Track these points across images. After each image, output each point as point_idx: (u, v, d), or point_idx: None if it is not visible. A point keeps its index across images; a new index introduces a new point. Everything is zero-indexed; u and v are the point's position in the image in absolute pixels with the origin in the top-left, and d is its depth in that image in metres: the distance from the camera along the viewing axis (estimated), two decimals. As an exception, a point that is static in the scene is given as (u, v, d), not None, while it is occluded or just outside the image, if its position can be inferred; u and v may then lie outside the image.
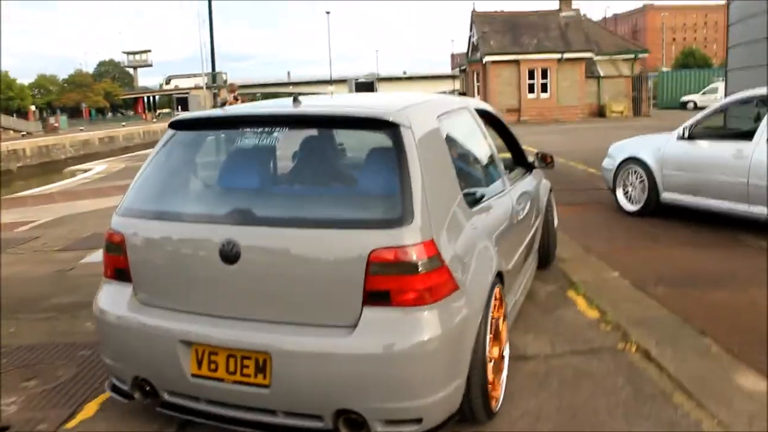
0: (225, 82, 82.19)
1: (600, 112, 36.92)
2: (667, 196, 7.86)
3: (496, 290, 3.31)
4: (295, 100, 3.49)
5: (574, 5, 37.88)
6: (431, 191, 2.88)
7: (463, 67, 43.00)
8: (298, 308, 2.88)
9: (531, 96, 35.58)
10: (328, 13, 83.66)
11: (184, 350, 2.98)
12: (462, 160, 3.72)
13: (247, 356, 2.87)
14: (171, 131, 3.49)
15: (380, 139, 3.08)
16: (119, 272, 3.28)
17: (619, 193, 8.57)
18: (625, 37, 47.15)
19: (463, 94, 43.23)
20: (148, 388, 3.17)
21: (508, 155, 5.22)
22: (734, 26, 15.10)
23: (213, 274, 2.98)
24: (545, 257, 5.75)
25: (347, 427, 2.82)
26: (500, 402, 3.34)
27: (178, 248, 3.14)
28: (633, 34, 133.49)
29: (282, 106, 3.76)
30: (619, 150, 8.77)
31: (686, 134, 7.60)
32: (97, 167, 22.60)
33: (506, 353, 3.54)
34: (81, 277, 6.58)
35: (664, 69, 66.02)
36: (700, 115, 7.66)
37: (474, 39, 38.44)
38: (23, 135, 56.69)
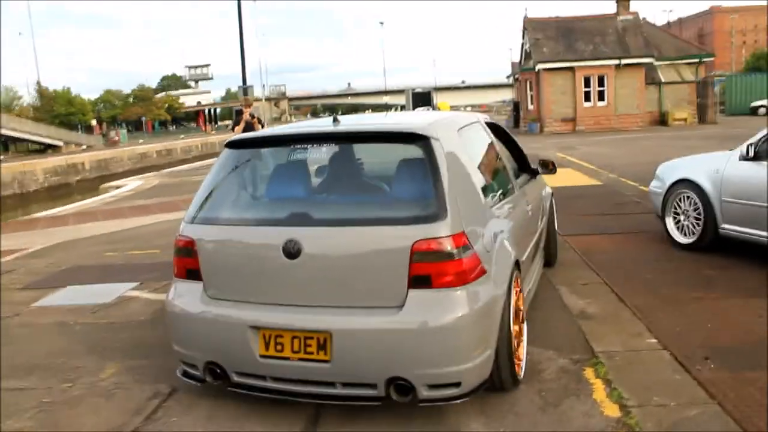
0: (284, 94, 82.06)
1: (662, 120, 34.82)
2: (727, 228, 6.45)
3: (515, 276, 3.87)
4: (335, 120, 4.03)
5: (633, 8, 35.92)
6: (459, 192, 3.44)
7: (516, 76, 41.40)
8: (353, 293, 3.38)
9: (587, 104, 33.78)
10: (381, 23, 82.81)
11: (253, 335, 3.45)
12: (479, 165, 4.16)
13: (309, 336, 3.35)
14: (228, 150, 4.06)
15: (413, 149, 3.59)
16: (190, 272, 3.77)
17: (669, 222, 7.18)
18: (688, 40, 44.65)
19: (516, 103, 41.68)
20: (218, 371, 3.61)
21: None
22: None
23: (277, 269, 3.46)
24: (549, 256, 6.37)
25: (397, 392, 3.28)
26: (523, 370, 3.87)
27: (245, 248, 3.66)
28: (699, 38, 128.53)
29: (323, 125, 4.18)
30: (670, 171, 7.38)
31: (751, 153, 6.17)
32: (131, 184, 22.17)
33: (525, 330, 4.08)
34: (18, 328, 5.64)
35: (727, 73, 62.80)
36: (767, 129, 6.22)
37: (527, 46, 36.87)
38: (84, 149, 57.91)
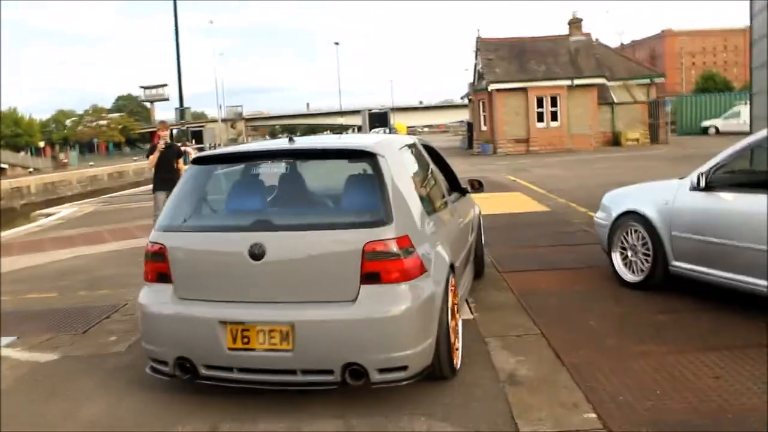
0: (240, 115, 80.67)
1: (615, 141, 34.77)
2: (678, 265, 5.81)
3: (451, 277, 4.39)
4: (290, 139, 4.69)
5: (585, 30, 35.94)
6: (402, 201, 4.00)
7: (470, 97, 41.07)
8: (312, 289, 3.87)
9: (540, 125, 33.53)
10: (336, 43, 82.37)
11: (221, 330, 3.86)
12: (418, 180, 4.59)
13: (273, 329, 3.80)
14: (193, 166, 4.58)
15: (362, 165, 4.28)
16: (161, 275, 4.15)
17: (616, 258, 6.51)
18: (640, 61, 45.03)
19: (470, 124, 41.33)
20: (188, 366, 3.97)
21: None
22: (758, 44, 13.04)
23: (243, 270, 3.90)
24: (478, 267, 6.95)
25: (352, 377, 3.72)
26: (459, 363, 4.38)
27: (213, 252, 4.12)
28: (651, 59, 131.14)
29: (282, 144, 4.73)
30: (616, 201, 6.74)
31: (702, 183, 5.54)
32: (64, 211, 20.91)
33: (459, 327, 4.60)
34: None
35: (674, 96, 63.84)
36: (719, 156, 5.58)
37: (479, 67, 36.61)
38: (30, 171, 56.04)
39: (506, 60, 34.48)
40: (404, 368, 3.76)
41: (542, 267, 7.52)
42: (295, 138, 4.75)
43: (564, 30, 36.19)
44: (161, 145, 10.12)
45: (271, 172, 4.63)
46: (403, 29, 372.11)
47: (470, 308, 5.84)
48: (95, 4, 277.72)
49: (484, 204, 13.69)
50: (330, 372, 3.75)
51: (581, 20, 35.55)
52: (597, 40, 37.50)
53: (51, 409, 4.28)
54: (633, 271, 6.30)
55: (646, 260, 6.10)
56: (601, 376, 4.19)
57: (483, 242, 7.21)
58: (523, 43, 35.49)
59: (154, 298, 4.19)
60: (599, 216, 6.94)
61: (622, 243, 6.42)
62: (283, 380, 3.86)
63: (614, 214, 6.51)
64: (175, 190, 4.52)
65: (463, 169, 25.12)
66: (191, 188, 4.52)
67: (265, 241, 3.86)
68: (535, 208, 12.66)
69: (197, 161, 4.66)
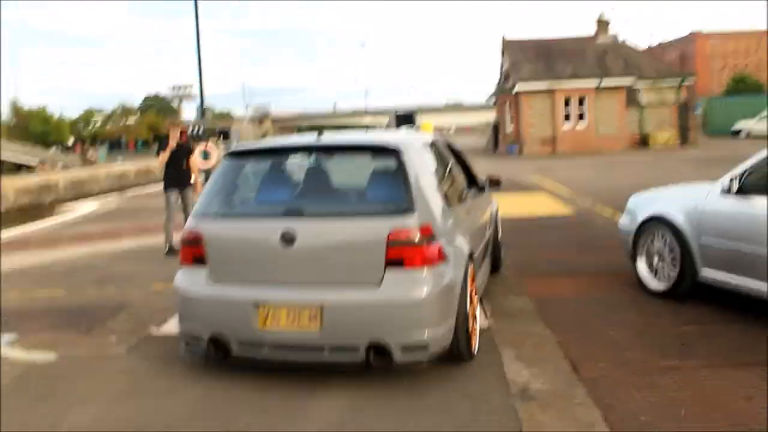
0: (267, 114, 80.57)
1: (643, 142, 34.10)
2: (707, 274, 5.48)
3: (470, 266, 4.62)
4: (319, 134, 4.85)
5: (612, 31, 35.31)
6: (424, 193, 4.22)
7: (495, 98, 40.64)
8: (339, 273, 4.10)
9: (567, 126, 33.00)
10: (363, 45, 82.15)
11: (254, 310, 4.12)
12: (439, 175, 4.85)
13: (303, 310, 4.04)
14: (227, 159, 4.86)
15: (387, 159, 4.44)
16: (197, 259, 4.44)
17: (641, 264, 6.19)
18: (669, 63, 44.24)
19: (496, 125, 40.91)
20: (221, 344, 4.23)
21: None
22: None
23: (275, 254, 4.17)
24: (496, 260, 7.00)
25: (376, 354, 3.96)
26: (476, 347, 4.59)
27: (247, 237, 4.37)
28: (681, 61, 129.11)
29: (309, 139, 4.89)
30: (642, 205, 6.41)
31: (734, 187, 5.22)
32: (87, 207, 20.98)
33: (478, 314, 4.82)
34: None
35: (702, 98, 62.67)
36: (753, 159, 5.24)
37: (505, 67, 36.18)
38: (60, 168, 56.63)
39: (532, 61, 34.00)
40: (425, 348, 4.01)
41: (564, 272, 7.23)
42: (322, 134, 4.91)
43: (591, 31, 35.58)
44: (173, 143, 9.90)
45: (301, 165, 4.88)
46: (433, 30, 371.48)
47: (485, 314, 5.56)
48: (121, 7, 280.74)
49: (508, 205, 13.42)
50: (356, 350, 3.99)
51: (609, 21, 34.98)
52: (625, 41, 36.86)
53: (37, 414, 4.10)
54: (659, 279, 5.98)
55: (673, 267, 5.78)
56: (622, 393, 3.90)
57: (500, 238, 7.28)
58: (549, 43, 34.99)
59: (190, 280, 4.47)
60: (624, 220, 6.62)
61: (648, 249, 6.10)
62: (311, 358, 4.12)
63: (640, 219, 6.19)
64: (211, 180, 4.79)
65: (487, 168, 24.66)
66: (226, 179, 4.78)
67: (296, 228, 4.14)
68: (560, 211, 12.32)
69: (232, 155, 4.92)
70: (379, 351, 3.96)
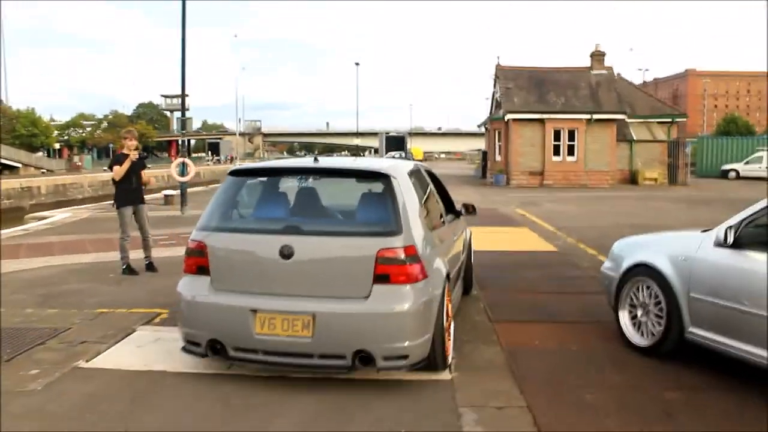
0: (258, 130, 79.81)
1: (632, 179, 33.83)
2: (695, 332, 4.96)
3: (447, 285, 4.98)
4: (315, 159, 5.32)
5: (608, 64, 35.11)
6: (409, 217, 4.61)
7: (486, 126, 40.30)
8: (331, 286, 4.48)
9: (556, 159, 32.63)
10: (357, 64, 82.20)
11: (252, 317, 4.46)
12: (422, 201, 5.14)
13: (297, 318, 4.40)
14: (230, 177, 5.23)
15: (377, 184, 4.93)
16: (200, 268, 4.78)
17: (624, 316, 5.68)
18: (662, 100, 44.19)
19: (486, 153, 40.57)
20: (218, 347, 4.60)
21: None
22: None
23: (274, 267, 4.54)
24: (468, 285, 7.51)
25: (361, 362, 4.34)
26: (450, 359, 5.01)
27: (248, 250, 4.73)
28: (674, 99, 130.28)
29: (309, 162, 5.41)
30: (627, 250, 5.91)
31: (730, 238, 4.71)
32: (58, 216, 20.26)
33: (452, 329, 5.20)
34: None
35: (697, 136, 62.84)
36: (751, 209, 4.74)
37: (497, 95, 35.88)
38: (43, 173, 55.87)
39: (525, 89, 33.71)
40: (405, 357, 4.38)
41: (540, 318, 6.69)
42: (318, 158, 5.38)
43: (586, 62, 35.39)
44: (134, 155, 9.30)
45: (298, 185, 5.27)
46: (427, 54, 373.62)
47: (450, 366, 5.00)
48: (121, 11, 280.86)
49: (488, 239, 12.91)
50: (342, 357, 4.36)
51: (604, 54, 34.70)
52: (619, 74, 36.71)
53: None
54: (642, 334, 5.46)
55: (659, 322, 5.27)
56: (595, 476, 3.35)
57: (472, 262, 7.64)
58: (543, 73, 34.70)
59: (193, 288, 4.79)
60: (607, 266, 6.12)
61: (632, 300, 5.59)
62: (301, 363, 4.47)
63: (624, 266, 5.69)
64: (215, 195, 5.18)
65: (472, 199, 24.28)
66: (228, 195, 5.17)
67: (294, 244, 4.51)
68: (541, 247, 11.80)
69: (234, 173, 5.27)
70: (363, 359, 4.35)
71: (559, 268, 9.62)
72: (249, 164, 6.01)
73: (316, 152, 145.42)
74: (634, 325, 5.57)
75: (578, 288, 8.17)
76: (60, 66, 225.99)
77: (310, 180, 5.25)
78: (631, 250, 5.81)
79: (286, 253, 4.48)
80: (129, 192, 9.29)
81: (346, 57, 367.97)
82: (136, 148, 9.18)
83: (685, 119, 36.78)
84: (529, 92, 33.55)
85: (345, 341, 4.34)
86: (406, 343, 4.35)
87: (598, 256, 10.61)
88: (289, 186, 5.33)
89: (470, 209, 7.12)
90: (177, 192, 18.78)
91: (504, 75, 34.69)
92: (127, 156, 9.11)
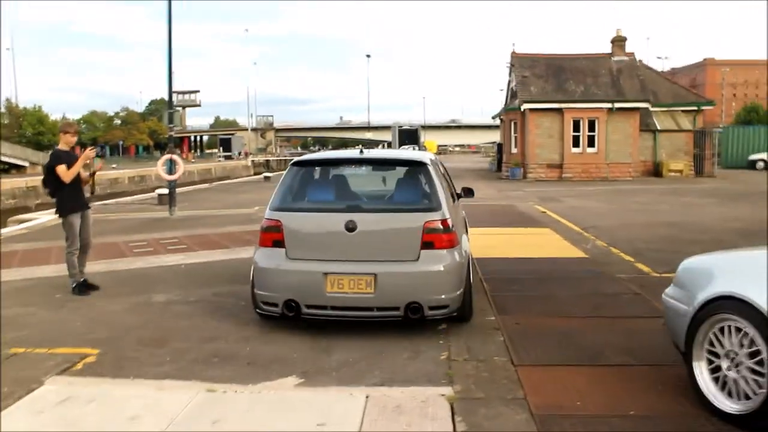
0: (271, 125, 78.73)
1: (656, 171, 32.00)
2: (818, 400, 3.37)
3: (469, 252, 6.31)
4: (361, 151, 6.87)
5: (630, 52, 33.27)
6: (443, 196, 5.83)
7: (501, 116, 38.56)
8: (388, 252, 5.61)
9: (575, 150, 30.84)
10: (368, 56, 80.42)
11: (323, 279, 5.52)
12: (444, 183, 6.33)
13: (361, 279, 5.50)
14: (293, 167, 6.35)
15: (416, 170, 6.23)
16: (276, 242, 5.79)
17: (701, 368, 4.08)
18: (687, 87, 42.21)
19: (501, 146, 38.88)
20: (293, 305, 5.59)
21: None
22: None
23: (340, 238, 5.61)
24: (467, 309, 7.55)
25: (411, 313, 5.45)
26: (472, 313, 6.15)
27: (318, 225, 5.85)
28: (692, 88, 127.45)
29: (354, 153, 6.94)
30: (703, 274, 4.29)
31: None
32: (43, 218, 18.80)
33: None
34: None
35: (722, 125, 60.62)
36: None
37: (513, 84, 34.15)
38: (50, 170, 54.96)
39: (542, 78, 31.92)
40: (446, 306, 5.57)
41: (579, 358, 5.09)
42: (363, 150, 6.94)
43: (605, 49, 33.57)
44: (90, 152, 7.82)
45: (353, 172, 6.98)
46: (440, 44, 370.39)
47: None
48: (127, 8, 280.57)
49: (506, 243, 11.16)
50: (397, 308, 5.49)
51: (625, 39, 32.80)
52: (641, 61, 34.81)
53: None
54: (730, 394, 3.88)
55: (756, 381, 3.68)
56: None
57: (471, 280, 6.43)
58: (561, 60, 32.88)
59: (270, 258, 5.78)
60: (673, 294, 4.52)
61: (713, 345, 4.01)
62: (364, 315, 5.61)
63: (701, 298, 4.08)
64: (282, 181, 6.17)
65: (487, 194, 22.65)
66: (293, 181, 6.21)
67: (356, 219, 5.62)
68: (569, 253, 10.14)
69: (296, 163, 6.35)
70: (413, 309, 5.43)
71: (592, 281, 8.00)
72: (308, 156, 6.95)
73: (330, 146, 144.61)
74: (716, 380, 3.98)
75: (620, 310, 6.57)
76: (75, 64, 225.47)
77: (362, 168, 6.97)
78: (709, 274, 4.20)
79: (350, 227, 5.57)
80: (76, 196, 7.81)
81: (359, 51, 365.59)
82: (81, 144, 7.69)
83: (711, 107, 34.87)
84: (547, 81, 31.79)
85: (400, 295, 5.45)
86: (446, 296, 5.51)
87: (635, 264, 9.00)
88: (348, 172, 6.93)
89: (468, 191, 7.90)
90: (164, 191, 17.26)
91: (520, 63, 32.93)
92: (68, 153, 7.62)
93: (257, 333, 5.96)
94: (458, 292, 5.56)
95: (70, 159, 7.64)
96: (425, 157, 6.30)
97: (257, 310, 5.90)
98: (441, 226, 5.54)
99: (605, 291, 7.42)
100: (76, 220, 7.75)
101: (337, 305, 5.50)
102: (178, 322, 6.43)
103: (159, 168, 17.67)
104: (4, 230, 16.17)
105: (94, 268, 9.49)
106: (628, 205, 18.24)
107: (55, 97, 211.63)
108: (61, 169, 7.58)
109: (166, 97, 16.63)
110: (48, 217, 19.17)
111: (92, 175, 8.25)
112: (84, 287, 7.76)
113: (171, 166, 16.42)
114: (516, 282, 7.86)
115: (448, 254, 5.55)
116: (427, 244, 5.50)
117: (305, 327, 5.88)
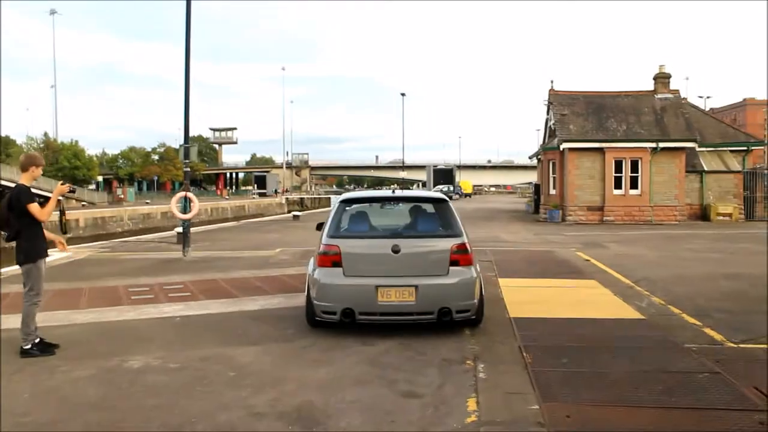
0: (306, 163, 78.57)
1: (703, 215, 30.20)
2: None
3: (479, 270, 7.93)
4: (393, 191, 8.77)
5: (674, 88, 31.83)
6: (460, 225, 7.58)
7: (539, 156, 37.21)
8: (425, 268, 7.19)
9: (618, 192, 29.26)
10: (403, 95, 79.88)
11: (375, 291, 7.00)
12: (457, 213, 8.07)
13: (405, 290, 7.00)
14: (340, 204, 8.00)
15: (440, 206, 7.95)
16: (334, 263, 7.22)
17: None
18: (736, 125, 40.39)
19: (538, 186, 37.48)
20: (349, 312, 7.06)
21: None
22: None
23: (387, 258, 7.14)
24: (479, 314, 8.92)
25: (442, 316, 7.04)
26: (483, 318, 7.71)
27: (369, 248, 7.40)
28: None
29: (388, 193, 8.76)
30: None
31: None
32: (55, 255, 17.97)
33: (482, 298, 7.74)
34: None
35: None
36: None
37: (551, 122, 32.87)
38: (84, 205, 55.07)
39: (582, 116, 30.56)
40: (468, 311, 7.18)
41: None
42: (395, 190, 8.94)
43: (646, 88, 32.17)
44: (62, 188, 6.80)
45: (389, 208, 9.19)
46: (476, 84, 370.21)
47: None
48: (172, 50, 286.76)
49: (547, 298, 9.54)
50: (431, 313, 7.04)
51: (669, 76, 31.39)
52: (685, 99, 33.29)
53: None
54: None
55: None
56: None
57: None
58: (601, 97, 31.53)
59: (329, 275, 7.21)
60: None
61: None
62: (405, 318, 7.13)
63: None
64: (334, 215, 7.82)
65: (524, 238, 21.26)
66: (341, 214, 7.88)
67: (400, 243, 7.19)
68: (622, 313, 8.68)
69: (345, 201, 8.13)
70: (444, 313, 7.03)
71: (655, 352, 6.58)
72: (352, 194, 8.76)
73: (365, 185, 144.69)
74: None
75: (700, 397, 5.16)
76: (123, 102, 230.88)
77: (399, 204, 8.77)
78: None
79: (396, 250, 7.12)
80: (44, 238, 6.77)
81: (394, 90, 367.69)
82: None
83: (763, 146, 33.05)
84: (587, 119, 30.44)
85: (435, 302, 7.02)
86: (468, 302, 7.14)
87: (703, 330, 7.58)
88: (387, 207, 9.12)
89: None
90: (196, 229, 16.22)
91: (558, 101, 31.66)
92: (30, 191, 6.61)
93: (234, 420, 4.73)
94: (475, 300, 7.22)
95: (39, 198, 6.63)
96: (443, 194, 8.42)
97: (315, 318, 7.40)
98: (464, 248, 7.26)
99: (674, 367, 6.00)
100: (44, 265, 6.69)
101: (386, 312, 7.05)
102: (144, 400, 5.22)
103: (173, 206, 16.66)
104: (5, 270, 15.28)
105: (80, 318, 8.43)
106: (679, 252, 16.65)
107: (105, 135, 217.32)
108: (34, 207, 6.54)
109: (183, 133, 15.63)
110: (62, 254, 18.35)
111: (63, 213, 7.21)
112: (46, 345, 6.68)
113: (186, 204, 15.41)
114: (560, 350, 6.55)
115: (468, 270, 7.22)
116: (454, 262, 7.16)
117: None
